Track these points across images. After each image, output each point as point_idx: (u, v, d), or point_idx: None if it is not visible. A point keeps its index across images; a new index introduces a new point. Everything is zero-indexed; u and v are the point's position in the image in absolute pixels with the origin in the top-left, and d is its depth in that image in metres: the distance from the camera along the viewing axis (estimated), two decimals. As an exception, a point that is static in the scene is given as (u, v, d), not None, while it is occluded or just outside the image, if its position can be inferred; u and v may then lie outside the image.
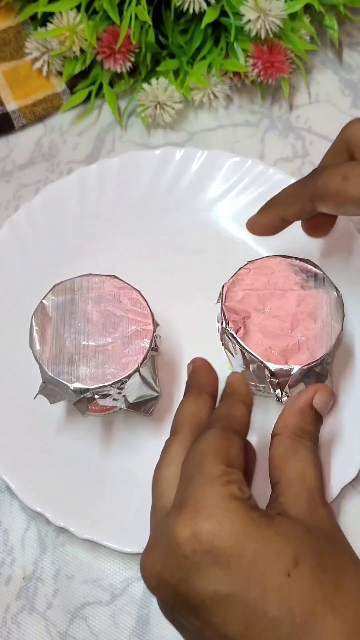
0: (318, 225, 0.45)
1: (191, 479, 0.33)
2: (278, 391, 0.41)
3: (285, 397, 0.41)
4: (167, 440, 0.38)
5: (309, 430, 0.38)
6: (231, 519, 0.31)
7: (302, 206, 0.41)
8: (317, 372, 0.41)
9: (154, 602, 0.44)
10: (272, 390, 0.41)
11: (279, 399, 0.42)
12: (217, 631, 0.31)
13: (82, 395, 0.40)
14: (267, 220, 0.43)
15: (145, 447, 0.47)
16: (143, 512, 0.44)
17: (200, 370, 0.41)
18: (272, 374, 0.40)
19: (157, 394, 0.45)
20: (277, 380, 0.41)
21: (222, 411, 0.37)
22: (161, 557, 0.32)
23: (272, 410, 0.47)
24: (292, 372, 0.40)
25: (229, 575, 0.30)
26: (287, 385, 0.41)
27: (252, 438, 0.46)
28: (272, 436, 0.38)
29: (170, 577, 0.32)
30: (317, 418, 0.39)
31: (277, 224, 0.43)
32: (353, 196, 0.37)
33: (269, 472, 0.38)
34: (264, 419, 0.47)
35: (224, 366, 0.45)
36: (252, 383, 0.43)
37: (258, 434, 0.47)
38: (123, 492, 0.45)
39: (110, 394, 0.41)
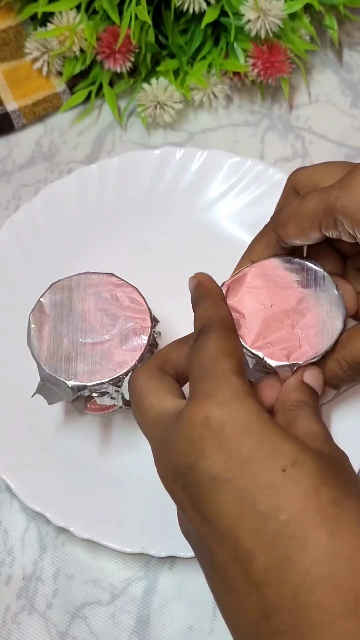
0: None
1: (203, 377, 0.33)
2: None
3: None
4: (136, 369, 0.38)
5: (306, 401, 0.38)
6: (242, 410, 0.32)
7: (267, 240, 0.42)
8: None
9: (154, 602, 0.44)
10: None
11: None
12: (211, 525, 0.30)
13: (79, 393, 0.40)
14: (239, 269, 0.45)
15: (144, 447, 0.46)
16: (143, 512, 0.44)
17: (209, 281, 0.41)
18: (274, 371, 0.40)
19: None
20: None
21: (211, 312, 0.37)
22: (175, 448, 0.32)
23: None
24: (294, 369, 0.40)
25: (229, 462, 0.30)
26: (291, 375, 0.40)
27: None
28: (273, 415, 0.38)
29: (181, 465, 0.32)
30: (312, 392, 0.39)
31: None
32: (308, 211, 0.38)
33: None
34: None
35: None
36: (252, 379, 0.43)
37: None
38: (123, 492, 0.45)
39: (108, 392, 0.41)
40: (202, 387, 0.33)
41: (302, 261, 0.43)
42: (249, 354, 0.40)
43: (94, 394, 0.40)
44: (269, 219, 0.44)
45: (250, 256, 0.42)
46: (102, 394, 0.41)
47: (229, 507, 0.30)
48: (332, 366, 0.41)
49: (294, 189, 0.42)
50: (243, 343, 0.40)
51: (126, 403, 0.43)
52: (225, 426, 0.31)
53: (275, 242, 0.41)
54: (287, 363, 0.40)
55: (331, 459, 0.33)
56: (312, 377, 0.39)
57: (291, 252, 0.43)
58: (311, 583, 0.28)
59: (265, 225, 0.43)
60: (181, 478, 0.32)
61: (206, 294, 0.39)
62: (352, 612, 0.27)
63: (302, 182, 0.41)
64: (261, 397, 0.39)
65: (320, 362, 0.41)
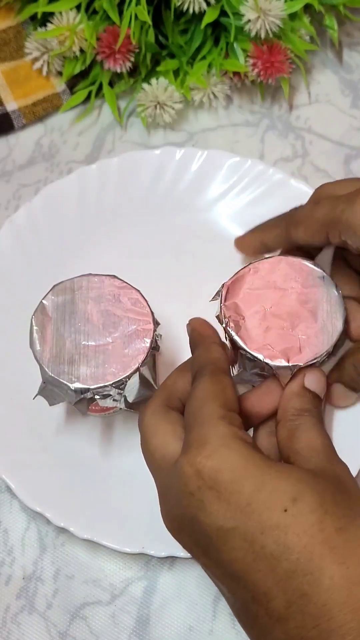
0: None
1: (193, 424, 0.34)
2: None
3: None
4: (145, 406, 0.39)
5: (308, 409, 0.38)
6: (232, 456, 0.32)
7: (279, 233, 0.44)
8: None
9: (154, 602, 0.44)
10: None
11: None
12: (225, 569, 0.31)
13: (82, 396, 0.40)
14: (249, 241, 0.48)
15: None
16: (143, 512, 0.44)
17: (202, 326, 0.42)
18: (274, 373, 0.40)
19: (157, 393, 0.45)
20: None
21: (203, 357, 0.38)
22: (174, 501, 0.33)
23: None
24: (294, 370, 0.40)
25: (230, 510, 0.31)
26: (291, 376, 0.40)
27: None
28: (276, 425, 0.39)
29: (184, 518, 0.33)
30: (315, 397, 0.39)
31: (258, 247, 0.47)
32: (318, 218, 0.40)
33: (279, 457, 0.38)
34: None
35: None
36: (251, 384, 0.43)
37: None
38: (123, 492, 0.45)
39: (110, 394, 0.41)
40: (192, 436, 0.34)
41: (302, 262, 0.43)
42: (248, 356, 0.40)
43: (97, 397, 0.40)
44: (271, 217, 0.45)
45: (264, 238, 0.46)
46: (105, 397, 0.41)
47: (240, 552, 0.31)
48: (349, 369, 0.42)
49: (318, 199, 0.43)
50: (242, 345, 0.40)
51: (129, 406, 0.43)
52: (219, 475, 0.32)
53: (285, 237, 0.44)
54: (288, 364, 0.40)
55: (331, 479, 0.34)
56: (313, 381, 0.39)
57: (297, 249, 0.45)
58: (330, 612, 0.29)
59: (279, 216, 0.45)
60: (187, 528, 0.33)
61: (199, 340, 0.40)
62: None
63: (323, 194, 0.43)
64: (261, 405, 0.40)
65: (337, 365, 0.42)
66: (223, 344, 0.40)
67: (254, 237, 0.47)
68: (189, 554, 0.42)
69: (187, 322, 0.42)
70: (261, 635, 0.31)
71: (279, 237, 0.44)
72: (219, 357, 0.39)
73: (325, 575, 0.29)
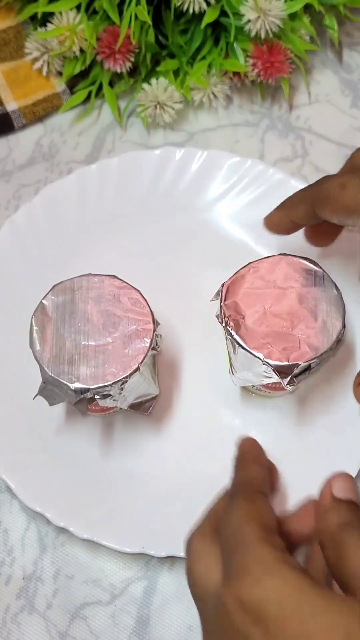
0: (322, 233, 0.46)
1: (232, 549, 0.32)
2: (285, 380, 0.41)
3: (290, 387, 0.41)
4: (195, 528, 0.36)
5: (348, 521, 0.34)
6: (278, 585, 0.29)
7: (306, 209, 0.42)
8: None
9: (154, 602, 0.44)
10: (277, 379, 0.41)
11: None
12: None
13: (82, 396, 0.40)
14: (278, 219, 0.45)
15: (145, 447, 0.47)
16: (143, 512, 0.44)
17: (249, 446, 0.41)
18: (274, 371, 0.40)
19: (157, 393, 0.45)
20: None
21: (239, 477, 0.37)
22: (218, 636, 0.31)
23: (269, 411, 0.47)
24: (294, 370, 0.40)
25: None
26: (291, 375, 0.40)
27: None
28: (321, 548, 0.34)
29: None
30: (351, 505, 0.35)
31: (288, 225, 0.44)
32: (346, 205, 0.39)
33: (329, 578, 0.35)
34: (261, 420, 0.47)
35: (224, 364, 0.45)
36: (251, 383, 0.43)
37: (254, 434, 0.47)
38: (123, 492, 0.45)
39: (110, 394, 0.41)
40: (232, 563, 0.31)
41: (301, 261, 0.43)
42: (249, 355, 0.40)
43: (97, 397, 0.40)
44: None
45: (292, 216, 0.43)
46: (105, 397, 0.41)
47: None
48: (357, 392, 0.42)
49: (353, 165, 0.42)
50: (242, 344, 0.40)
51: (130, 406, 0.43)
52: (265, 609, 0.29)
53: (312, 214, 0.42)
54: (287, 363, 0.40)
55: None
56: (342, 489, 0.35)
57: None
58: None
59: (305, 190, 0.43)
60: None
61: (240, 458, 0.39)
62: None
63: (357, 164, 0.41)
64: (301, 525, 0.37)
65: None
66: (266, 463, 0.39)
67: (284, 215, 0.44)
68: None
69: (238, 442, 0.41)
70: None
71: (307, 214, 0.42)
72: (256, 476, 0.37)
73: None
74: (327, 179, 0.41)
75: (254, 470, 0.38)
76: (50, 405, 0.43)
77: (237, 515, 0.33)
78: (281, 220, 0.44)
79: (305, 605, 0.29)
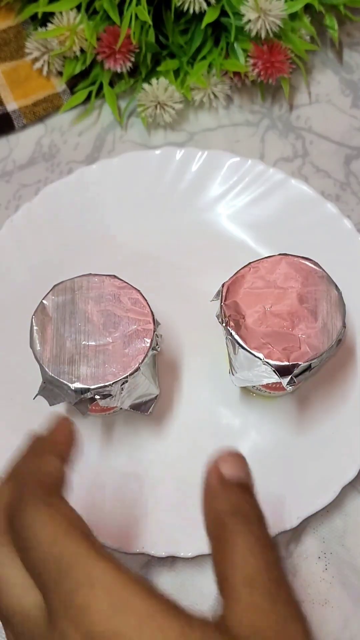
0: None
1: (59, 567, 0.26)
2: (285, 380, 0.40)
3: (290, 387, 0.41)
4: None
5: (238, 507, 0.30)
6: (127, 619, 0.25)
7: None
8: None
9: (154, 602, 0.44)
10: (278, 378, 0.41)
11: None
12: None
13: (82, 396, 0.40)
14: None
15: (145, 447, 0.47)
16: (143, 512, 0.44)
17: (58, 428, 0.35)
18: (274, 371, 0.40)
19: (157, 393, 0.45)
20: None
21: (30, 470, 0.31)
22: None
23: (269, 411, 0.47)
24: (294, 370, 0.40)
25: None
26: (291, 375, 0.40)
27: (250, 438, 0.46)
28: (207, 534, 0.30)
29: None
30: (241, 487, 0.31)
31: None
32: None
33: (214, 570, 0.29)
34: (261, 420, 0.47)
35: (224, 364, 0.45)
36: (251, 383, 0.43)
37: (254, 434, 0.47)
38: (123, 492, 0.45)
39: (111, 394, 0.41)
40: (66, 591, 0.26)
41: (302, 261, 0.43)
42: (249, 355, 0.40)
43: (97, 397, 0.40)
44: (268, 219, 0.41)
45: None
46: (105, 397, 0.41)
47: None
48: None
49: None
50: (243, 344, 0.40)
51: (131, 406, 0.43)
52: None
53: None
54: (287, 363, 0.40)
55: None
56: (232, 468, 0.31)
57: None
58: None
59: None
60: None
61: (35, 444, 0.33)
62: None
63: None
64: None
65: None
66: (68, 452, 0.33)
67: None
68: (189, 554, 0.42)
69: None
70: None
71: None
72: (52, 471, 0.31)
73: None
74: None
75: (52, 464, 0.31)
76: (50, 405, 0.43)
77: (44, 528, 0.27)
78: None
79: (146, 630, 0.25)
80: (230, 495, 0.30)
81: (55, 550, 0.26)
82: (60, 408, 0.47)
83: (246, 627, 0.26)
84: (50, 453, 0.32)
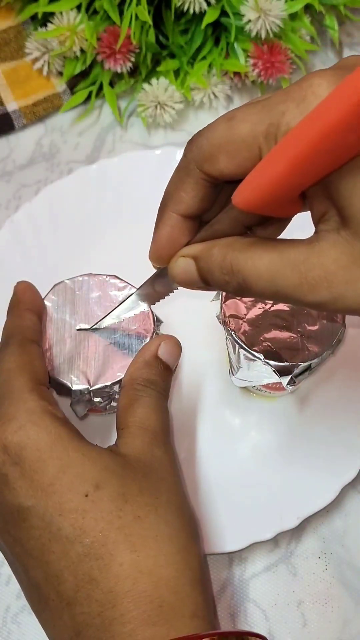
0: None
1: (1, 397, 0.34)
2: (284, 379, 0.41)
3: (290, 387, 0.41)
4: None
5: (154, 380, 0.38)
6: (40, 433, 0.32)
7: (194, 183, 0.30)
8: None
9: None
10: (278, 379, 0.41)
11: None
12: (22, 547, 0.31)
13: (81, 396, 0.40)
14: (164, 230, 0.32)
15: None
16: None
17: (22, 291, 0.41)
18: (274, 371, 0.40)
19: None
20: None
21: (13, 325, 0.38)
22: None
23: (269, 411, 0.47)
24: (294, 370, 0.40)
25: (32, 489, 0.31)
26: (291, 375, 0.40)
27: (250, 438, 0.46)
28: (120, 389, 0.38)
29: None
30: (165, 369, 0.39)
31: (179, 227, 0.32)
32: (242, 135, 0.27)
33: (117, 417, 0.38)
34: (261, 420, 0.47)
35: (224, 364, 0.45)
36: (251, 383, 0.43)
37: (254, 434, 0.47)
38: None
39: (110, 395, 0.41)
40: (2, 408, 0.33)
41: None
42: (249, 355, 0.40)
43: (96, 398, 0.40)
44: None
45: (179, 208, 0.31)
46: (104, 397, 0.41)
47: (37, 532, 0.31)
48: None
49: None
50: (243, 344, 0.40)
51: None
52: (24, 452, 0.31)
53: (203, 182, 0.30)
54: (287, 363, 0.40)
55: (145, 465, 0.34)
56: (168, 352, 0.39)
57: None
58: (115, 599, 0.29)
59: (181, 163, 0.30)
60: None
61: (13, 305, 0.40)
62: (152, 620, 0.29)
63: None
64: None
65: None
66: (39, 310, 0.40)
67: (165, 217, 0.32)
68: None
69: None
70: (50, 619, 0.31)
71: (197, 187, 0.30)
72: (30, 325, 0.38)
73: (115, 561, 0.30)
74: (201, 134, 0.29)
75: (29, 319, 0.38)
76: (58, 394, 0.42)
77: (8, 366, 0.35)
78: (169, 225, 0.32)
79: (62, 454, 0.32)
80: (153, 369, 0.38)
81: (5, 381, 0.34)
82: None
83: (129, 447, 0.34)
84: (26, 311, 0.39)
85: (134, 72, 0.58)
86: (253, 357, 0.40)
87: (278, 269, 0.26)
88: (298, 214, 0.29)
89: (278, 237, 0.31)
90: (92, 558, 0.30)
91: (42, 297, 0.42)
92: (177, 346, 0.39)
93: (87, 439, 0.47)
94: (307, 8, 0.57)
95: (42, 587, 0.31)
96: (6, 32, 0.59)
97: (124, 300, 0.41)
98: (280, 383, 0.41)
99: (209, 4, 0.54)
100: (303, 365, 0.40)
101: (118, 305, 0.41)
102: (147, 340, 0.41)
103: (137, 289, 0.40)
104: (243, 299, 0.42)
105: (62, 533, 0.30)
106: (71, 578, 0.30)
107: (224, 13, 0.55)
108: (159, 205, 0.32)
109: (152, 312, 0.42)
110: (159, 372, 0.38)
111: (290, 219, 0.31)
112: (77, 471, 0.31)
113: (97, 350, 0.41)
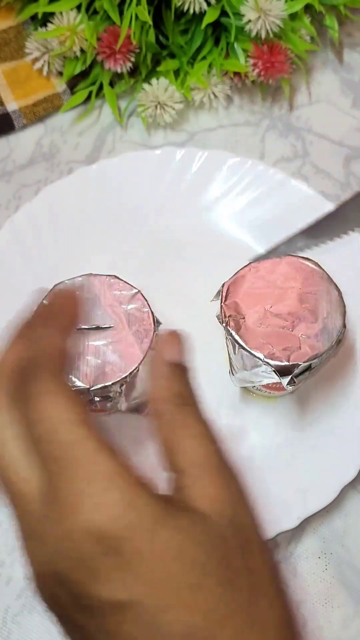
0: None
1: (67, 459, 0.27)
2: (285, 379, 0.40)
3: (290, 387, 0.41)
4: None
5: (181, 393, 0.32)
6: (139, 518, 0.26)
7: None
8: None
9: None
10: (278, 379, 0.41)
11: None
12: (111, 637, 0.27)
13: (82, 396, 0.40)
14: None
15: (144, 447, 0.47)
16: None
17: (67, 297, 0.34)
18: (274, 371, 0.40)
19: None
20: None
21: (46, 347, 0.30)
22: (52, 556, 0.27)
23: (269, 411, 0.47)
24: (294, 370, 0.40)
25: (130, 581, 0.26)
26: (292, 375, 0.40)
27: (250, 438, 0.47)
28: (155, 416, 0.32)
29: (66, 578, 0.27)
30: (181, 371, 0.33)
31: None
32: None
33: (163, 457, 0.31)
34: (261, 420, 0.47)
35: (224, 364, 0.45)
36: (251, 383, 0.43)
37: (254, 434, 0.47)
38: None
39: (110, 395, 0.41)
40: (75, 486, 0.27)
41: (302, 261, 0.43)
42: (249, 355, 0.40)
43: (96, 398, 0.40)
44: (268, 220, 0.42)
45: None
46: (104, 398, 0.41)
47: (135, 628, 0.27)
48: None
49: None
50: (243, 344, 0.40)
51: (129, 408, 0.43)
52: (122, 544, 0.26)
53: None
54: (287, 363, 0.40)
55: (233, 526, 0.29)
56: (173, 354, 0.33)
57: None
58: None
59: None
60: (67, 588, 0.27)
61: (47, 317, 0.32)
62: None
63: None
64: None
65: None
66: (67, 325, 0.32)
67: None
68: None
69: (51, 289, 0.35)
70: None
71: None
72: (62, 347, 0.31)
73: None
74: None
75: (60, 338, 0.31)
76: None
77: (59, 414, 0.28)
78: None
79: (162, 537, 0.27)
80: (173, 383, 0.32)
81: (62, 431, 0.27)
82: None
83: (204, 499, 0.28)
84: (57, 326, 0.31)
85: (134, 72, 0.58)
86: (253, 357, 0.40)
87: None
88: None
89: None
90: None
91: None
92: (174, 337, 0.33)
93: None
94: (307, 8, 0.57)
95: None
96: (6, 32, 0.59)
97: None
98: (280, 383, 0.41)
99: (209, 4, 0.54)
100: (303, 365, 0.40)
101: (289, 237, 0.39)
102: (147, 341, 0.41)
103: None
104: (242, 299, 0.42)
105: (170, 629, 0.26)
106: None
107: (224, 13, 0.55)
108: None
109: (152, 312, 0.42)
110: (180, 379, 0.32)
111: None
112: (181, 557, 0.27)
113: (97, 350, 0.41)
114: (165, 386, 0.32)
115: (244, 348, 0.40)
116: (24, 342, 0.31)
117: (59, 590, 0.27)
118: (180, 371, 0.33)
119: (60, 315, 0.32)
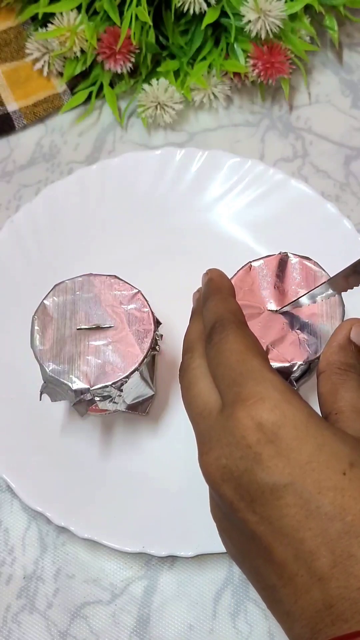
0: None
1: (240, 378, 0.33)
2: None
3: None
4: (184, 360, 0.37)
5: (352, 364, 0.38)
6: (295, 412, 0.31)
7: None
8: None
9: (154, 601, 0.44)
10: None
11: None
12: (271, 525, 0.31)
13: (82, 396, 0.40)
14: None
15: (144, 447, 0.47)
16: (143, 511, 0.44)
17: (220, 277, 0.41)
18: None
19: (153, 393, 0.45)
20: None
21: (222, 308, 0.37)
22: (224, 451, 0.32)
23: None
24: (293, 370, 0.40)
25: (289, 466, 0.31)
26: (291, 376, 0.40)
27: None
28: (318, 375, 0.38)
29: (234, 468, 0.32)
30: (359, 351, 0.38)
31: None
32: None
33: (319, 409, 0.37)
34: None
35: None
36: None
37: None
38: (123, 491, 0.45)
39: (110, 395, 0.41)
40: (246, 390, 0.32)
41: (302, 261, 0.43)
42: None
43: (96, 398, 0.40)
44: (268, 220, 0.42)
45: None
46: (104, 397, 0.41)
47: (293, 509, 0.30)
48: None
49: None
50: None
51: (129, 408, 0.43)
52: (281, 431, 0.31)
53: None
54: (287, 364, 0.40)
55: None
56: (359, 335, 0.38)
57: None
58: None
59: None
60: (234, 480, 0.32)
61: (215, 291, 0.39)
62: None
63: None
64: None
65: None
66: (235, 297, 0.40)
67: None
68: (189, 554, 0.42)
69: (204, 272, 0.41)
70: (295, 594, 0.31)
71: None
72: (239, 309, 0.37)
73: None
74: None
75: (234, 303, 0.38)
76: (52, 401, 0.42)
77: (235, 347, 0.34)
78: None
79: (317, 433, 0.31)
80: (349, 352, 0.38)
81: (240, 362, 0.34)
82: (61, 407, 0.47)
83: (355, 433, 0.34)
84: (230, 296, 0.39)
85: (134, 72, 0.58)
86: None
87: None
88: None
89: None
90: (352, 535, 0.30)
91: (43, 297, 0.42)
92: None
93: (88, 438, 0.47)
94: (307, 8, 0.57)
95: (290, 564, 0.31)
96: (6, 33, 0.59)
97: (318, 286, 0.41)
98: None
99: (209, 4, 0.54)
100: (303, 365, 0.40)
101: (311, 290, 0.41)
102: (147, 341, 0.41)
103: (331, 278, 0.41)
104: (242, 300, 0.42)
105: (321, 511, 0.30)
106: (328, 554, 0.30)
107: (223, 14, 0.55)
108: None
109: (152, 312, 0.42)
110: (354, 355, 0.38)
111: None
112: (332, 450, 0.31)
113: (97, 350, 0.41)
114: (340, 355, 0.38)
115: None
116: (199, 317, 0.39)
117: (226, 488, 0.32)
118: (355, 348, 0.38)
119: (219, 289, 0.39)
